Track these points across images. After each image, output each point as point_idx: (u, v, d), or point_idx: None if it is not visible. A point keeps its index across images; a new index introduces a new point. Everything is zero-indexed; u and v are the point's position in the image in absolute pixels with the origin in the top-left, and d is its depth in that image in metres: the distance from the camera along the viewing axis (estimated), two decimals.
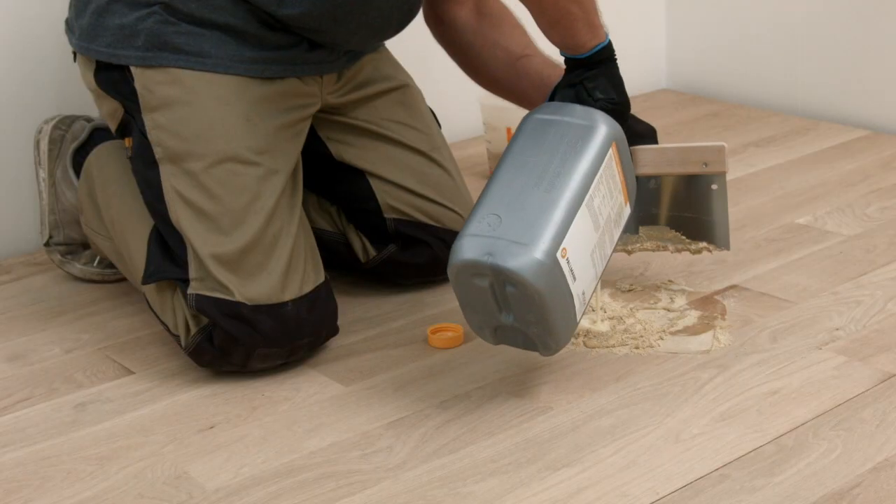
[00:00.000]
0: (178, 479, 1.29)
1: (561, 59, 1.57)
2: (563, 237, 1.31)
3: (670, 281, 1.71)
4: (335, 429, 1.37)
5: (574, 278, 1.33)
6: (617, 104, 1.49)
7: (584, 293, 1.36)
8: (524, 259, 1.28)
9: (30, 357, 1.59)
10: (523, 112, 2.14)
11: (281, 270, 1.46)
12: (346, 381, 1.48)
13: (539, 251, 1.29)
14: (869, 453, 1.26)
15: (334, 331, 1.54)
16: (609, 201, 1.40)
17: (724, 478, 1.23)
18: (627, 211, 1.47)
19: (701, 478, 1.24)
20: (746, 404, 1.37)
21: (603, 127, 1.41)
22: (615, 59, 1.51)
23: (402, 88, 1.71)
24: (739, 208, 1.99)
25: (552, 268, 1.30)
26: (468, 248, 1.31)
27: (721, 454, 1.28)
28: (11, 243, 1.96)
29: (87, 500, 1.26)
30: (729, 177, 2.14)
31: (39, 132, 1.81)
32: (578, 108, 1.43)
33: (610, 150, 1.40)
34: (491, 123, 2.17)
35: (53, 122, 1.81)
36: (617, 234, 1.44)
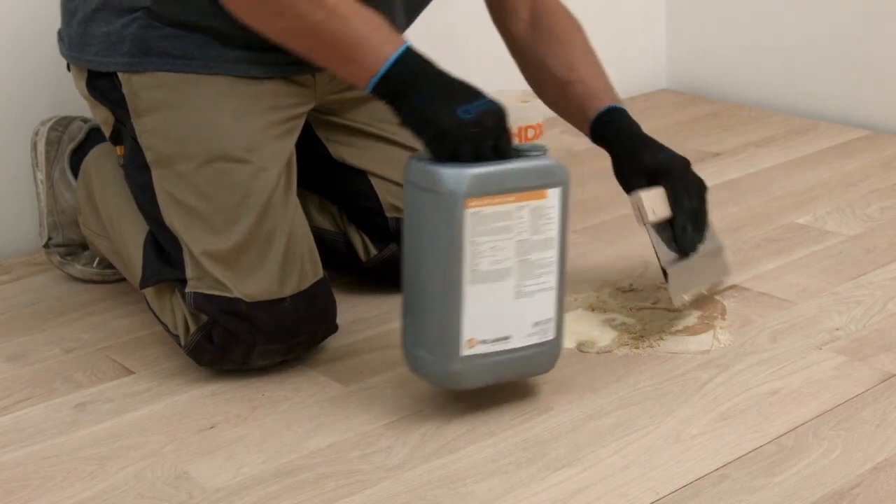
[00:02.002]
0: (178, 479, 1.29)
1: (601, 88, 1.58)
2: (460, 332, 1.32)
3: None
4: (335, 429, 1.37)
5: (505, 338, 1.34)
6: (430, 142, 1.31)
7: (536, 323, 1.35)
8: (440, 372, 1.35)
9: (30, 357, 1.59)
10: (522, 113, 2.15)
11: (277, 267, 1.46)
12: (346, 381, 1.48)
13: (447, 362, 1.33)
14: (869, 453, 1.26)
15: (333, 328, 1.53)
16: (503, 245, 1.31)
17: (724, 478, 1.23)
18: (552, 200, 1.33)
19: (701, 478, 1.24)
20: (746, 404, 1.37)
21: (443, 194, 1.28)
22: (409, 84, 1.33)
23: None
24: (739, 208, 1.99)
25: (467, 366, 1.33)
26: (407, 359, 1.39)
27: (721, 454, 1.28)
28: (11, 243, 1.96)
29: (87, 500, 1.26)
30: (729, 176, 2.15)
31: (36, 134, 1.81)
32: (417, 167, 1.32)
33: (466, 212, 1.28)
34: None
35: (50, 123, 1.81)
36: (556, 228, 1.34)
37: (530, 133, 2.16)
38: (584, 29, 1.69)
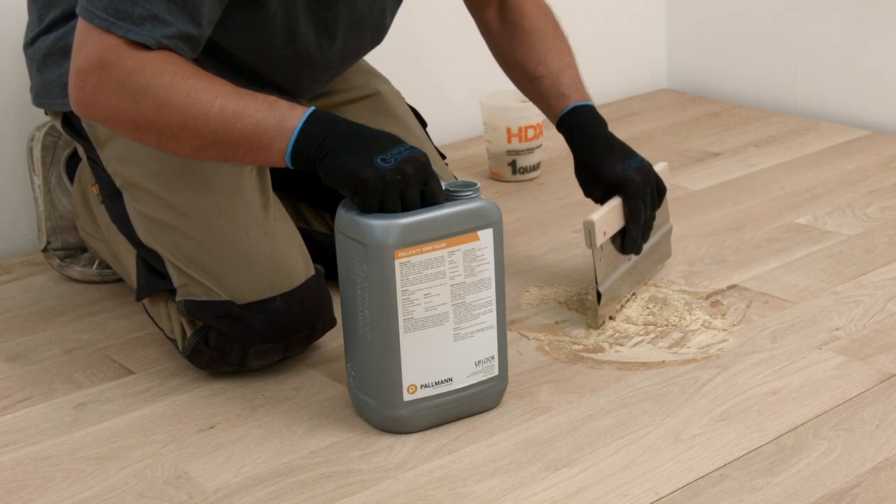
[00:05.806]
0: (178, 479, 1.29)
1: (567, 84, 1.58)
2: (401, 378, 1.31)
3: (670, 281, 1.71)
4: (335, 429, 1.37)
5: (447, 380, 1.34)
6: (354, 195, 1.28)
7: (478, 362, 1.35)
8: (383, 418, 1.35)
9: (30, 357, 1.59)
10: (522, 113, 2.16)
11: (264, 267, 1.45)
12: (345, 380, 1.48)
13: (387, 408, 1.33)
14: (869, 453, 1.26)
15: (331, 323, 1.53)
16: (437, 291, 1.30)
17: (724, 478, 1.23)
18: (485, 241, 1.32)
19: (701, 478, 1.24)
20: (746, 404, 1.37)
21: (372, 246, 1.27)
22: (322, 145, 1.29)
23: (372, 96, 1.72)
24: (739, 208, 1.99)
25: (411, 410, 1.33)
26: (352, 401, 1.40)
27: (721, 454, 1.28)
28: (11, 243, 1.96)
29: (87, 500, 1.26)
30: (729, 176, 2.15)
31: (32, 139, 1.81)
32: (347, 217, 1.30)
33: (396, 262, 1.27)
34: (491, 123, 2.18)
35: (45, 128, 1.81)
36: (491, 268, 1.33)
37: (530, 133, 2.16)
38: (554, 15, 1.69)
